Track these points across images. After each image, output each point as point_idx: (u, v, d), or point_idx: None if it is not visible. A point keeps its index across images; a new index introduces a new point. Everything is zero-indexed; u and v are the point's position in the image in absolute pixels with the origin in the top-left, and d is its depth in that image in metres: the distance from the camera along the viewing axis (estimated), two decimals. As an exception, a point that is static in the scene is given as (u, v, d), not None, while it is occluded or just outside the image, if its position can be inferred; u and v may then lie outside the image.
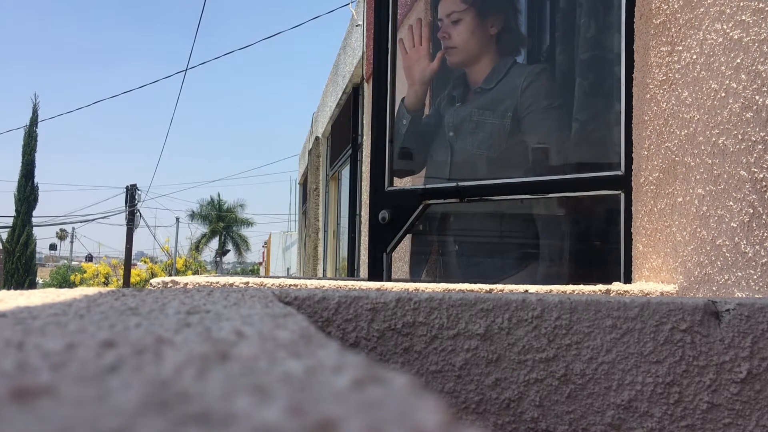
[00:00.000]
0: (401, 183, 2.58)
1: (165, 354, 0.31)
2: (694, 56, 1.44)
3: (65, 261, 47.81)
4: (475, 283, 1.45)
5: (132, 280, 26.18)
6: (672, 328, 0.91)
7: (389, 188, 2.24)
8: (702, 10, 1.42)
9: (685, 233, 1.46)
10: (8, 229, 24.73)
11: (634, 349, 0.90)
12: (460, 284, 1.42)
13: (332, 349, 0.32)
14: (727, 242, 1.31)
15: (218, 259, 41.27)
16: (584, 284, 1.49)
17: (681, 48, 1.50)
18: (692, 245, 1.43)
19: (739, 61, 1.29)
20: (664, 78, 1.57)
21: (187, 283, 1.32)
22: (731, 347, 0.91)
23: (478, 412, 0.90)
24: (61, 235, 54.51)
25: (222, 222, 39.90)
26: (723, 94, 1.34)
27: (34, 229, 25.58)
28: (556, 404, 0.91)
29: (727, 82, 1.32)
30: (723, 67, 1.34)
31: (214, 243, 40.69)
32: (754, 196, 1.24)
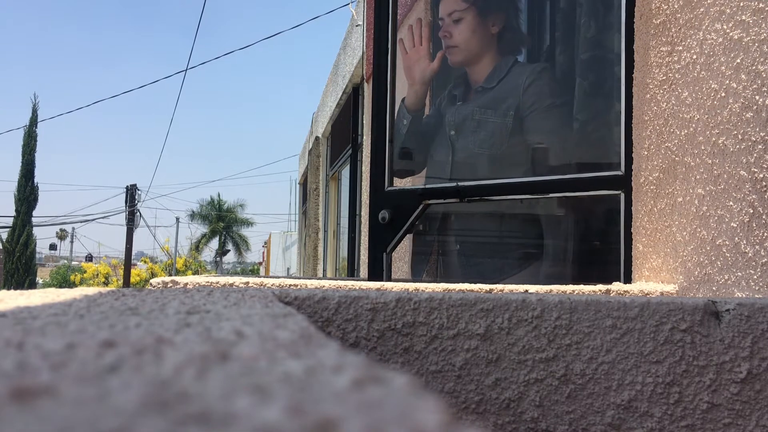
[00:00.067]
0: (401, 183, 2.58)
1: (165, 354, 0.31)
2: (694, 56, 1.44)
3: (65, 261, 47.82)
4: (476, 283, 1.45)
5: (132, 280, 26.19)
6: (672, 328, 0.91)
7: (389, 188, 2.24)
8: (702, 10, 1.42)
9: (685, 233, 1.46)
10: (8, 229, 24.73)
11: (634, 349, 0.90)
12: (460, 284, 1.42)
13: (332, 349, 0.32)
14: (727, 242, 1.31)
15: (218, 259, 41.28)
16: (584, 284, 1.49)
17: (681, 48, 1.50)
18: (692, 245, 1.43)
19: (739, 61, 1.29)
20: (664, 78, 1.57)
21: (187, 283, 1.32)
22: (731, 347, 0.91)
23: (478, 412, 0.90)
24: (61, 235, 54.52)
25: (222, 222, 39.91)
26: (723, 94, 1.34)
27: (34, 229, 25.59)
28: (556, 404, 0.91)
29: (727, 82, 1.32)
30: (723, 67, 1.34)
31: (214, 243, 40.71)
32: (754, 196, 1.24)
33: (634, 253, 1.71)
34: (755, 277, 1.23)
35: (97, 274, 28.97)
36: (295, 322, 0.44)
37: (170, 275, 12.58)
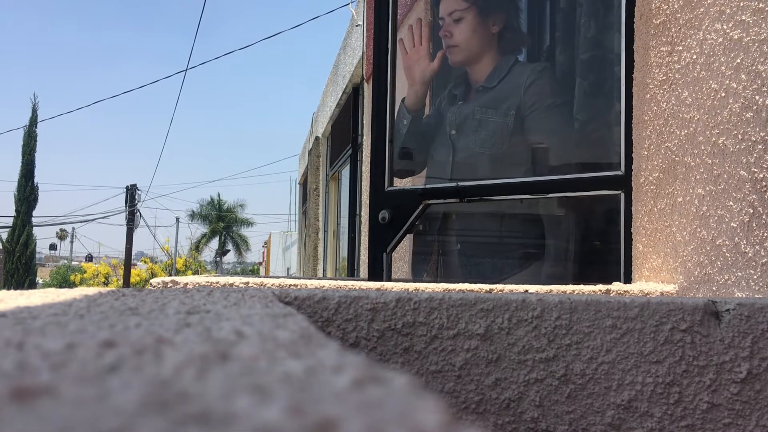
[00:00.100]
0: (401, 183, 2.58)
1: (165, 354, 0.31)
2: (694, 56, 1.44)
3: (65, 261, 47.82)
4: (477, 282, 1.45)
5: (132, 280, 26.19)
6: (672, 328, 0.91)
7: (389, 188, 2.24)
8: (702, 10, 1.42)
9: (685, 233, 1.46)
10: (8, 229, 24.74)
11: (634, 349, 0.90)
12: (460, 284, 1.42)
13: (332, 349, 0.32)
14: (727, 242, 1.31)
15: (218, 259, 41.28)
16: (584, 284, 1.49)
17: (681, 48, 1.50)
18: (692, 245, 1.43)
19: (739, 61, 1.29)
20: (664, 78, 1.57)
21: (187, 283, 1.32)
22: (731, 347, 0.91)
23: (478, 412, 0.90)
24: (61, 235, 54.53)
25: (222, 222, 39.91)
26: (723, 94, 1.34)
27: (34, 229, 25.59)
28: (556, 404, 0.91)
29: (727, 82, 1.32)
30: (723, 67, 1.34)
31: (214, 243, 40.71)
32: (754, 196, 1.24)
33: (634, 253, 1.71)
34: (755, 277, 1.23)
35: (97, 274, 28.98)
36: (295, 322, 0.44)
37: (170, 275, 12.58)
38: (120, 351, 0.31)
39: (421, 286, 1.34)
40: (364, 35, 5.20)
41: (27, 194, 24.71)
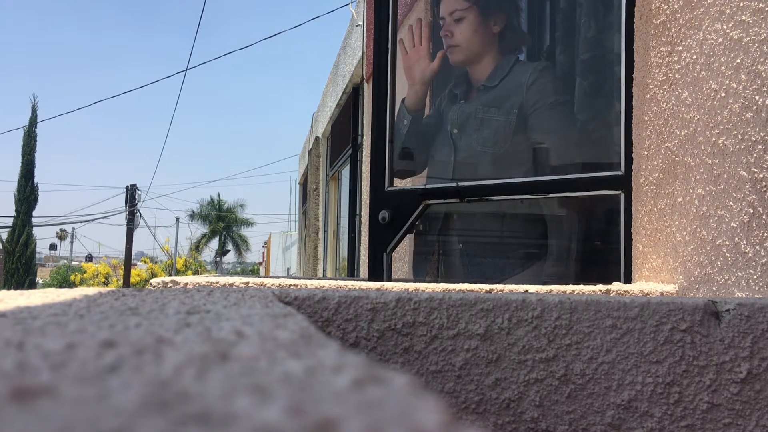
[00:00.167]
0: (401, 183, 2.58)
1: (165, 354, 0.31)
2: (694, 56, 1.44)
3: (65, 261, 47.83)
4: (477, 282, 1.45)
5: (132, 280, 26.19)
6: (672, 328, 0.91)
7: (389, 188, 2.24)
8: (702, 10, 1.42)
9: (685, 233, 1.46)
10: (8, 229, 24.74)
11: (634, 349, 0.90)
12: (460, 284, 1.42)
13: (332, 349, 0.32)
14: (727, 242, 1.31)
15: (218, 259, 41.28)
16: (584, 284, 1.49)
17: (681, 48, 1.50)
18: (692, 245, 1.43)
19: (739, 61, 1.29)
20: (664, 78, 1.57)
21: (187, 283, 1.32)
22: (731, 347, 0.91)
23: (478, 412, 0.90)
24: (61, 235, 54.53)
25: (222, 222, 39.91)
26: (723, 94, 1.34)
27: (34, 229, 25.60)
28: (556, 404, 0.91)
29: (727, 82, 1.32)
30: (723, 67, 1.34)
31: (214, 243, 40.71)
32: (754, 196, 1.24)
33: (634, 253, 1.71)
34: (755, 277, 1.23)
35: (97, 274, 28.98)
36: (295, 322, 0.44)
37: (170, 275, 12.58)
38: (120, 351, 0.31)
39: (421, 286, 1.34)
40: (364, 35, 5.20)
41: (27, 194, 24.72)
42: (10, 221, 24.95)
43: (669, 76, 1.55)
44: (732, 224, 1.29)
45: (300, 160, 13.78)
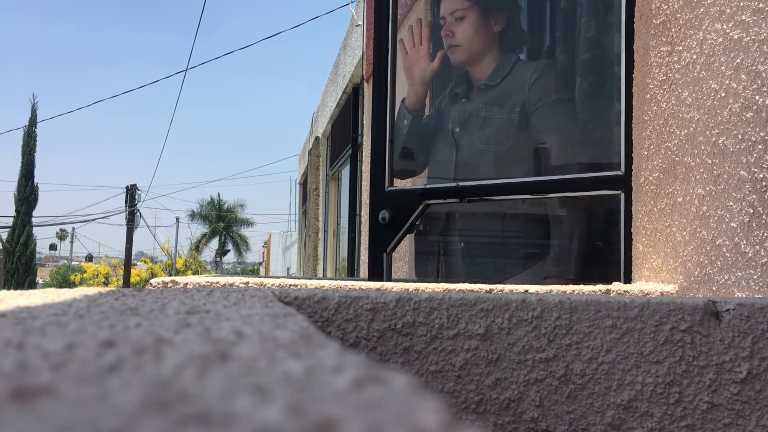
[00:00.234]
0: (401, 183, 2.57)
1: (165, 354, 0.31)
2: (694, 56, 1.44)
3: (65, 261, 47.84)
4: (477, 282, 1.45)
5: (132, 280, 26.19)
6: (672, 328, 0.91)
7: (389, 188, 2.24)
8: (702, 10, 1.42)
9: (685, 233, 1.46)
10: (8, 229, 24.75)
11: (634, 349, 0.90)
12: (460, 284, 1.42)
13: (332, 349, 0.32)
14: (727, 242, 1.31)
15: (218, 259, 41.28)
16: (584, 284, 1.49)
17: (681, 48, 1.50)
18: (692, 245, 1.43)
19: (739, 61, 1.29)
20: (664, 78, 1.57)
21: (187, 283, 1.32)
22: (731, 347, 0.91)
23: (478, 412, 0.90)
24: (61, 235, 54.52)
25: (222, 222, 39.91)
26: (723, 94, 1.34)
27: (34, 229, 25.61)
28: (556, 404, 0.91)
29: (727, 82, 1.32)
30: (723, 67, 1.34)
31: (214, 243, 40.72)
32: (754, 196, 1.24)
33: (634, 253, 1.71)
34: (755, 277, 1.23)
35: (97, 274, 28.99)
36: (295, 322, 0.44)
37: (170, 275, 12.58)
38: (120, 351, 0.31)
39: (421, 286, 1.34)
40: (364, 35, 5.20)
41: (27, 194, 24.73)
42: (10, 221, 24.97)
43: (669, 76, 1.55)
44: (732, 224, 1.29)
45: (300, 160, 13.78)
